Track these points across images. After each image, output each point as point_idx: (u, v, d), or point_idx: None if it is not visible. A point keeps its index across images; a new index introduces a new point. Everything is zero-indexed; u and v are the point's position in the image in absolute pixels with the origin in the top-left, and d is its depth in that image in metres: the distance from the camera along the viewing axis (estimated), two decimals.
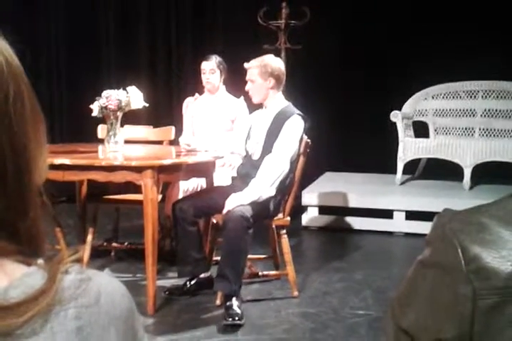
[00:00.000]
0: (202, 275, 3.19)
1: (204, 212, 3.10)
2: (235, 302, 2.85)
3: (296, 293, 3.18)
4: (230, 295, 2.87)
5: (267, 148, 3.05)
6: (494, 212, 0.59)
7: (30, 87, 0.54)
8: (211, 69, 3.80)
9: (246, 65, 3.18)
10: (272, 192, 2.95)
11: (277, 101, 3.15)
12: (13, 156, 0.50)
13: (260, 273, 3.26)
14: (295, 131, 3.05)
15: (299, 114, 3.09)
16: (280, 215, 3.15)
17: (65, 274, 0.50)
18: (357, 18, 5.25)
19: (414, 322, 0.60)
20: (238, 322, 2.79)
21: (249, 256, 3.18)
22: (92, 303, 0.49)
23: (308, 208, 4.71)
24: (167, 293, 3.17)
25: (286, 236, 3.17)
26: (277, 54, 5.00)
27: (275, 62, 3.17)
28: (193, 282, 3.19)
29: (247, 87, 3.17)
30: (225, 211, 2.86)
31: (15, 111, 0.50)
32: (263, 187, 2.91)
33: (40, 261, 0.52)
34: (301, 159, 3.14)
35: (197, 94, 4.01)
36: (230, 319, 2.78)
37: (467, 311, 0.56)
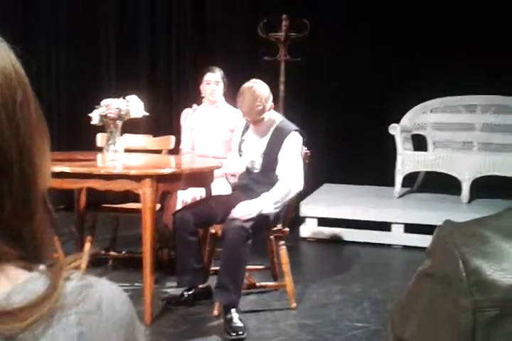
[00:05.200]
0: (200, 286, 3.18)
1: (204, 221, 3.10)
2: (235, 314, 2.83)
3: (294, 305, 3.17)
4: (229, 306, 2.86)
5: (267, 163, 3.07)
6: (496, 224, 0.59)
7: (34, 95, 0.55)
8: (216, 81, 3.83)
9: (245, 113, 3.05)
10: (278, 209, 3.00)
11: (272, 117, 3.13)
12: (20, 161, 0.51)
13: (258, 284, 3.25)
14: (296, 148, 3.07)
15: (296, 130, 3.10)
16: (279, 226, 3.15)
17: (67, 280, 0.50)
18: (357, 30, 5.29)
19: (414, 333, 0.60)
20: (242, 336, 2.78)
21: (247, 267, 3.18)
22: (94, 309, 0.49)
23: (307, 219, 4.70)
24: (165, 302, 3.16)
25: (284, 247, 3.16)
26: (277, 66, 5.05)
27: (262, 90, 3.03)
28: (190, 292, 3.18)
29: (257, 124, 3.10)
30: (234, 216, 2.87)
31: (22, 117, 0.51)
32: (273, 203, 2.95)
33: (42, 267, 0.52)
34: None
35: (195, 105, 4.02)
36: (234, 334, 2.77)
37: (467, 324, 0.56)
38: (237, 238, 2.81)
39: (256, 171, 3.14)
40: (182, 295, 3.17)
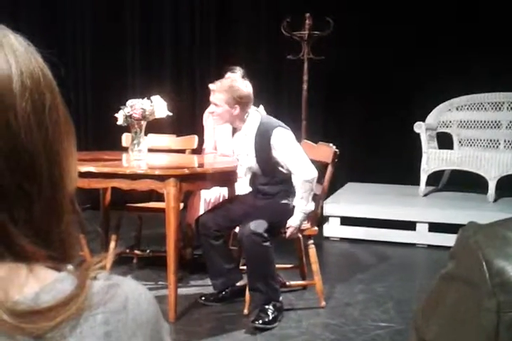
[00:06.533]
0: (237, 284, 3.21)
1: (226, 226, 3.12)
2: (271, 307, 2.91)
3: (323, 304, 3.17)
4: (270, 300, 2.93)
5: (264, 165, 3.06)
6: None
7: (62, 98, 0.56)
8: None
9: (211, 86, 3.08)
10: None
11: (250, 120, 3.06)
12: (48, 163, 0.52)
13: (287, 283, 3.25)
14: (287, 141, 3.00)
15: (278, 126, 3.01)
16: (307, 225, 3.16)
17: (94, 280, 0.52)
18: (381, 28, 5.25)
19: (437, 335, 0.60)
20: (263, 326, 2.85)
21: (276, 266, 3.23)
22: (120, 309, 0.50)
23: (330, 218, 4.69)
24: (203, 299, 3.21)
25: (313, 246, 3.16)
26: (300, 65, 5.04)
27: (243, 87, 3.03)
28: (227, 290, 3.21)
29: (211, 109, 3.09)
30: (289, 235, 3.02)
31: (50, 121, 0.52)
32: (307, 203, 3.00)
33: (70, 267, 0.53)
34: (330, 169, 3.15)
35: None
36: (256, 322, 2.87)
37: (491, 325, 0.56)
38: (252, 244, 2.85)
39: (259, 174, 3.15)
40: (220, 292, 3.21)
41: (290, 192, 3.04)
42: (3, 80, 0.50)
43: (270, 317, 2.88)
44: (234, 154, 3.28)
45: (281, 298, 2.98)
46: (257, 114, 3.09)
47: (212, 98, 3.07)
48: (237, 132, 3.17)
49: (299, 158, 2.98)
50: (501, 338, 0.55)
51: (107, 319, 0.49)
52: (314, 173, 2.98)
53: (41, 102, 0.52)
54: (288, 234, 3.02)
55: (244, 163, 3.15)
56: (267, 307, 2.90)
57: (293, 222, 3.01)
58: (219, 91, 3.02)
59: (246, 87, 3.05)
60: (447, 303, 0.60)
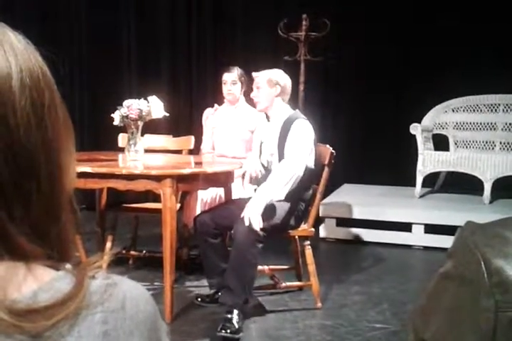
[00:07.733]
0: None
1: (225, 226, 3.08)
2: (235, 316, 2.78)
3: (319, 305, 3.17)
4: (233, 306, 2.81)
5: (282, 157, 3.06)
6: None
7: (61, 97, 0.56)
8: (233, 80, 3.83)
9: (255, 74, 3.28)
10: (282, 196, 2.88)
11: (283, 111, 3.17)
12: (47, 163, 0.52)
13: (284, 285, 3.24)
14: (303, 133, 3.03)
15: (305, 119, 3.12)
16: (304, 226, 3.15)
17: (92, 279, 0.51)
18: (378, 29, 5.26)
19: (435, 334, 0.60)
20: (231, 335, 2.73)
21: (272, 267, 3.22)
22: (118, 308, 0.50)
23: (326, 220, 4.69)
24: (199, 299, 3.19)
25: (309, 247, 3.15)
26: (297, 66, 5.04)
27: (283, 75, 3.25)
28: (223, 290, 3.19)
29: (253, 94, 3.22)
30: (246, 223, 2.78)
31: (49, 119, 0.52)
32: (272, 189, 2.86)
33: (68, 265, 0.53)
34: (326, 170, 3.15)
35: (216, 105, 4.04)
36: (223, 331, 2.74)
37: (489, 324, 0.56)
38: (245, 240, 2.77)
39: (276, 165, 3.14)
40: (215, 293, 3.19)
41: (299, 194, 3.00)
42: (3, 78, 0.50)
43: (236, 326, 2.76)
44: (259, 142, 3.33)
45: (245, 310, 2.87)
46: (290, 109, 3.22)
47: (254, 83, 3.25)
48: (268, 123, 3.28)
49: (300, 150, 2.97)
50: (498, 337, 0.55)
51: (105, 318, 0.49)
52: (299, 171, 2.90)
53: (40, 100, 0.52)
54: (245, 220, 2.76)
55: (268, 149, 3.18)
56: (230, 316, 2.79)
57: (249, 208, 2.78)
58: (262, 74, 3.24)
59: (286, 77, 3.25)
60: (445, 302, 0.60)
